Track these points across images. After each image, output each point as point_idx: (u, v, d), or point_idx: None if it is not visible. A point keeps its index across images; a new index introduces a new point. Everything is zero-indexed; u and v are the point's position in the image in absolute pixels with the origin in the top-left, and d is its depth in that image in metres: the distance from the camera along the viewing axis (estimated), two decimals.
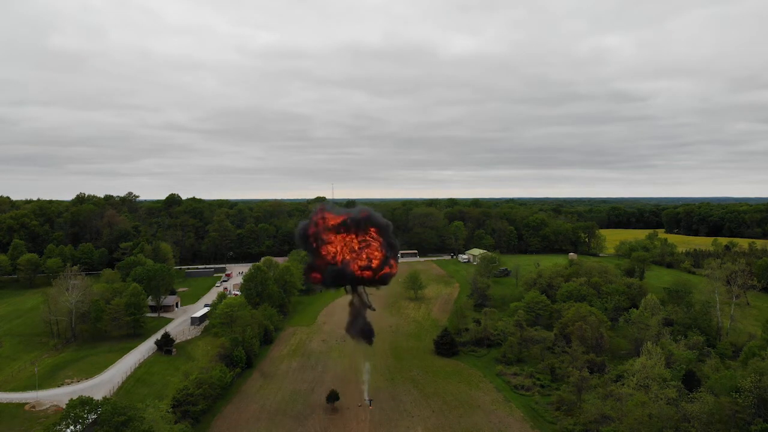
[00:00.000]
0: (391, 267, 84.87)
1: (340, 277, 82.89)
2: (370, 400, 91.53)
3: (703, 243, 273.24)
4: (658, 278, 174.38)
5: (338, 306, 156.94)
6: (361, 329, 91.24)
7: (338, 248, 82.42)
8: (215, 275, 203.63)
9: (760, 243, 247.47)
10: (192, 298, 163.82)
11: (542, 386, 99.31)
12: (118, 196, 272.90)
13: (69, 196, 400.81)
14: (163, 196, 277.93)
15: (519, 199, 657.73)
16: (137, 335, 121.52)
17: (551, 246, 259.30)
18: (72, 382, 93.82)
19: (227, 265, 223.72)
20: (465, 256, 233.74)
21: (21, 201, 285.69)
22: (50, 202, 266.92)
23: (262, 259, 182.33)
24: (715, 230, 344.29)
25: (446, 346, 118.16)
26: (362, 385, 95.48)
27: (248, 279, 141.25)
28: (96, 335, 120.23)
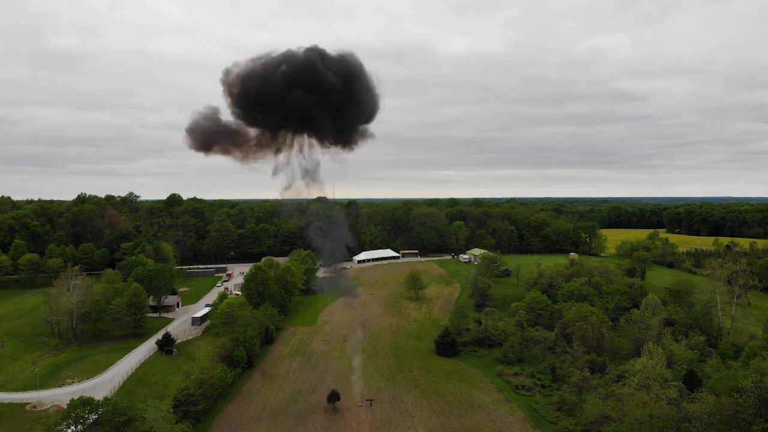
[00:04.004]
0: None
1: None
2: (371, 400, 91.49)
3: (704, 243, 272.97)
4: (659, 278, 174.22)
5: (339, 306, 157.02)
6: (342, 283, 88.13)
7: None
8: (216, 275, 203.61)
9: (761, 243, 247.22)
10: (193, 298, 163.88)
11: (543, 386, 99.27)
12: (119, 196, 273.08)
13: (70, 196, 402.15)
14: (163, 196, 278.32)
15: (520, 198, 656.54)
16: (138, 335, 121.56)
17: (552, 246, 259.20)
18: (73, 382, 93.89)
19: (228, 265, 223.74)
20: (466, 256, 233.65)
21: (22, 201, 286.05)
22: (51, 202, 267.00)
23: (263, 259, 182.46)
24: (716, 230, 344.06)
25: (447, 346, 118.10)
26: (358, 386, 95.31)
27: (249, 279, 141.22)
28: (97, 335, 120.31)
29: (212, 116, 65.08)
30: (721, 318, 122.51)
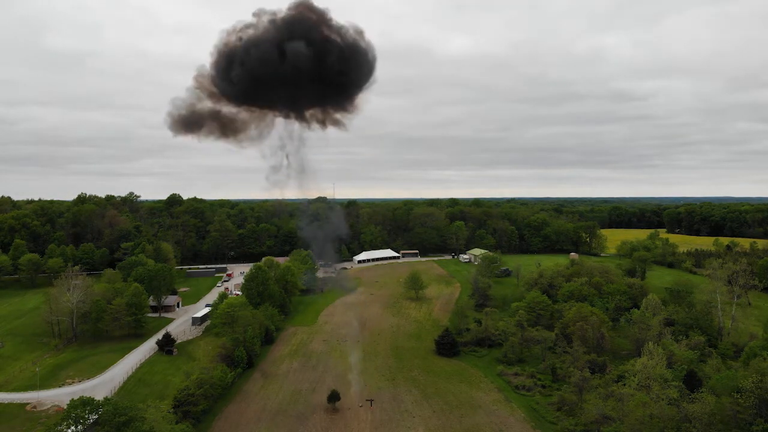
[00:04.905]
0: None
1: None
2: (371, 401, 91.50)
3: (704, 243, 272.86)
4: (660, 278, 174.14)
5: (339, 306, 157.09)
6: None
7: None
8: (216, 275, 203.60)
9: (761, 243, 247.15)
10: (193, 298, 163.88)
11: (543, 386, 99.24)
12: (119, 196, 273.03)
13: (70, 196, 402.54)
14: (164, 196, 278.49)
15: (520, 198, 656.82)
16: (138, 335, 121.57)
17: (552, 246, 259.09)
18: (73, 382, 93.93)
19: (228, 265, 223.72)
20: (466, 256, 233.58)
21: (22, 201, 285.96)
22: (51, 202, 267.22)
23: (263, 259, 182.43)
24: (716, 230, 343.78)
25: (447, 346, 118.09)
26: (355, 383, 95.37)
27: (249, 279, 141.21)
28: (97, 335, 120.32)
29: (192, 98, 62.30)
30: (721, 318, 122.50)
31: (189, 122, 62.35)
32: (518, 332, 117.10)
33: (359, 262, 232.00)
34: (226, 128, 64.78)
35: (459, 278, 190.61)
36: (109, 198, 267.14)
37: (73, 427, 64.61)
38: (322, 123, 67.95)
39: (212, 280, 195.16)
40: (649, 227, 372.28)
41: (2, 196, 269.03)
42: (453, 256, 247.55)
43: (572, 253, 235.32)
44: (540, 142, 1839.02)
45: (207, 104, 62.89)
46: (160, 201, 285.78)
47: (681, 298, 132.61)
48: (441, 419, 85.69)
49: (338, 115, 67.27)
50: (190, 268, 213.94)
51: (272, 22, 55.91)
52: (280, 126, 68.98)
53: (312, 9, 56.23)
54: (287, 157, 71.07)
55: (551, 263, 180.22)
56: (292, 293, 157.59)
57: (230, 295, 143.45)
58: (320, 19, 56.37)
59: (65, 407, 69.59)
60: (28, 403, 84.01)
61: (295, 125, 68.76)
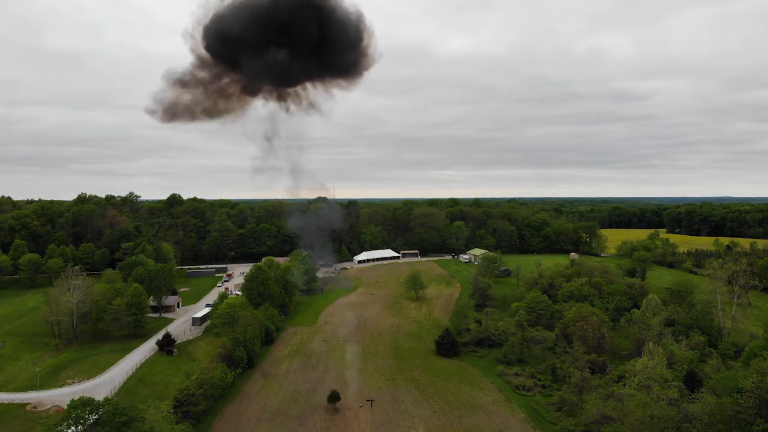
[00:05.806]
0: None
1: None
2: (371, 401, 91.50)
3: (704, 243, 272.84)
4: (660, 278, 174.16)
5: (339, 306, 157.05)
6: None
7: None
8: (216, 275, 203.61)
9: (761, 243, 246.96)
10: (193, 299, 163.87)
11: (543, 386, 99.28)
12: (119, 196, 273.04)
13: (70, 196, 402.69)
14: (164, 196, 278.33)
15: (520, 198, 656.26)
16: (138, 335, 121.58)
17: (552, 246, 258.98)
18: (73, 382, 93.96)
19: (228, 265, 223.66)
20: (466, 256, 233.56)
21: (22, 201, 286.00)
22: (51, 202, 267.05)
23: (264, 259, 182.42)
24: (716, 230, 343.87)
25: (447, 346, 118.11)
26: (352, 379, 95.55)
27: (249, 279, 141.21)
28: (97, 335, 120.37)
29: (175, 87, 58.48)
30: (721, 318, 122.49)
31: (173, 111, 59.23)
32: (518, 332, 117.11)
33: (359, 262, 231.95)
34: (210, 110, 60.57)
35: (459, 278, 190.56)
36: (109, 198, 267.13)
37: (73, 428, 64.66)
38: (302, 106, 63.57)
39: (212, 280, 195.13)
40: (649, 227, 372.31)
41: (2, 196, 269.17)
42: (453, 256, 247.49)
43: (572, 253, 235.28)
44: (540, 142, 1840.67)
45: (190, 93, 59.45)
46: (160, 201, 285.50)
47: (681, 298, 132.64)
48: (441, 419, 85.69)
49: (321, 95, 62.94)
50: (190, 268, 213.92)
51: None
52: (263, 110, 65.45)
53: None
54: (268, 140, 68.40)
55: (551, 263, 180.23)
56: (292, 293, 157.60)
57: (230, 295, 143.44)
58: None
59: (65, 407, 69.64)
60: (28, 403, 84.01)
61: (278, 110, 64.67)
